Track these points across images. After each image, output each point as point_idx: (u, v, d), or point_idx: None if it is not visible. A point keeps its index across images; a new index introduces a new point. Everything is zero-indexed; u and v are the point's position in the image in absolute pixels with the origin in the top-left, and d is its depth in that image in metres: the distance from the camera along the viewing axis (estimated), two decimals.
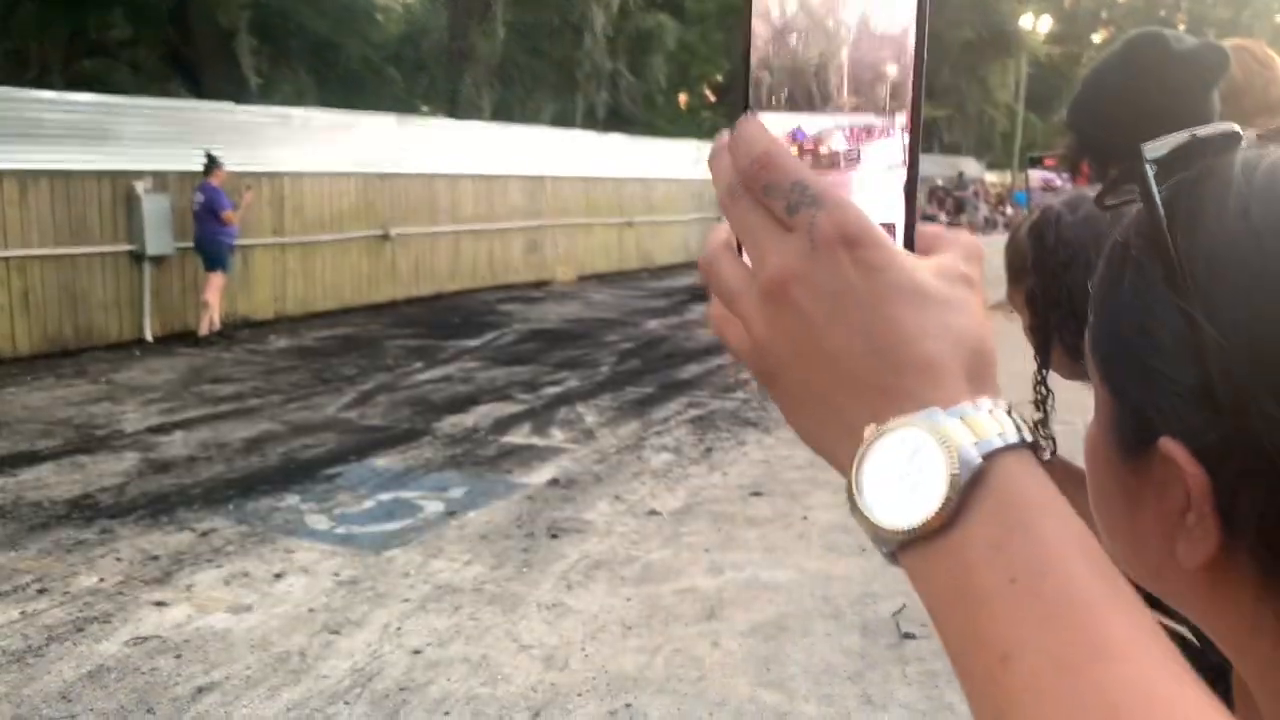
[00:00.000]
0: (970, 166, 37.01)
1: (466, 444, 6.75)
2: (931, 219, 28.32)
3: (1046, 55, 40.04)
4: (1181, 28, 47.15)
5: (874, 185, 0.43)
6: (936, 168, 33.19)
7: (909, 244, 0.43)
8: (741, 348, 0.43)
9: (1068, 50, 44.32)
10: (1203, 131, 0.46)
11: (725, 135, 0.43)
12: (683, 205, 20.12)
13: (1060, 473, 1.49)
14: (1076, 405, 1.73)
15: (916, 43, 0.43)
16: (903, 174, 0.44)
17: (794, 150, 0.44)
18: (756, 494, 5.70)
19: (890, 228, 0.43)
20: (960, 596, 0.37)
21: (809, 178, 0.40)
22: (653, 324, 12.49)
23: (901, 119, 0.43)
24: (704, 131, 35.11)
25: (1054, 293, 1.35)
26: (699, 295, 15.23)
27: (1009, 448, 0.38)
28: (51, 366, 9.10)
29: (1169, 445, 0.42)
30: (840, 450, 0.40)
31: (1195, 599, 0.46)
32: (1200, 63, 1.57)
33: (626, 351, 10.49)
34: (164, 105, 11.31)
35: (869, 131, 0.44)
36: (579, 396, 8.22)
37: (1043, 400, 1.44)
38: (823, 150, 0.44)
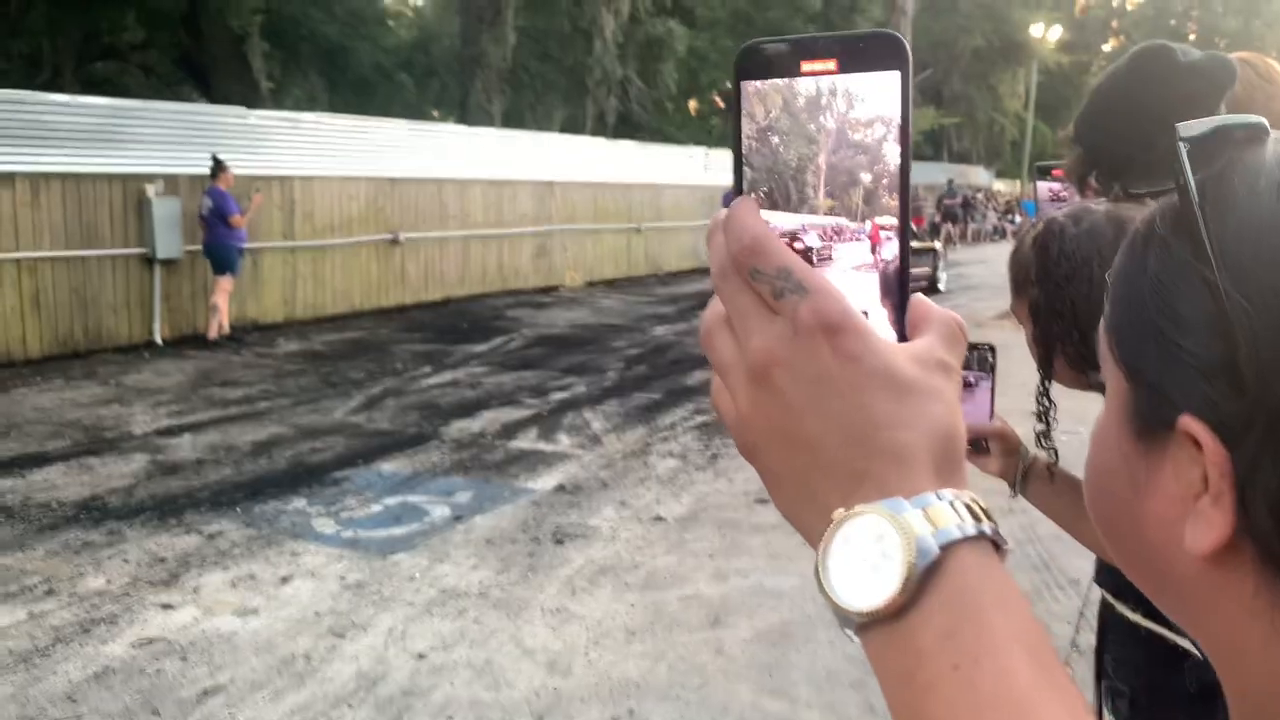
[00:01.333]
0: (979, 175, 36.98)
1: (473, 449, 6.77)
2: (935, 228, 28.24)
3: (1056, 64, 39.99)
4: (1191, 37, 47.07)
5: (846, 281, 0.46)
6: (945, 175, 33.08)
7: (900, 324, 0.45)
8: (729, 419, 0.45)
9: (1077, 59, 44.26)
10: (1232, 120, 0.47)
11: (721, 214, 0.45)
12: (691, 211, 20.13)
13: (1063, 484, 1.49)
14: (1080, 414, 1.73)
15: (902, 143, 0.45)
16: (894, 264, 0.46)
17: None
18: (762, 501, 5.70)
19: (864, 317, 0.45)
20: (909, 681, 0.39)
21: (795, 264, 0.42)
22: (660, 330, 12.49)
23: (871, 223, 0.46)
24: (713, 138, 35.17)
25: (1057, 304, 1.35)
26: (706, 303, 15.21)
27: (966, 539, 0.40)
28: (61, 368, 9.15)
29: (1190, 422, 0.43)
30: (814, 530, 0.42)
31: (1193, 591, 0.46)
32: (1208, 75, 1.57)
33: (634, 357, 10.51)
34: (175, 109, 11.36)
35: (840, 232, 0.46)
36: (586, 402, 8.23)
37: (1045, 412, 1.45)
38: (797, 246, 0.46)
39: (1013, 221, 33.06)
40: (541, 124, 21.93)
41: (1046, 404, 1.46)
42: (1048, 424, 1.47)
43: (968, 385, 1.53)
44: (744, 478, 6.17)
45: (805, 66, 0.46)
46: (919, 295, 0.46)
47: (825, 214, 0.47)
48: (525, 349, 10.86)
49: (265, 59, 20.90)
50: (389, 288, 13.39)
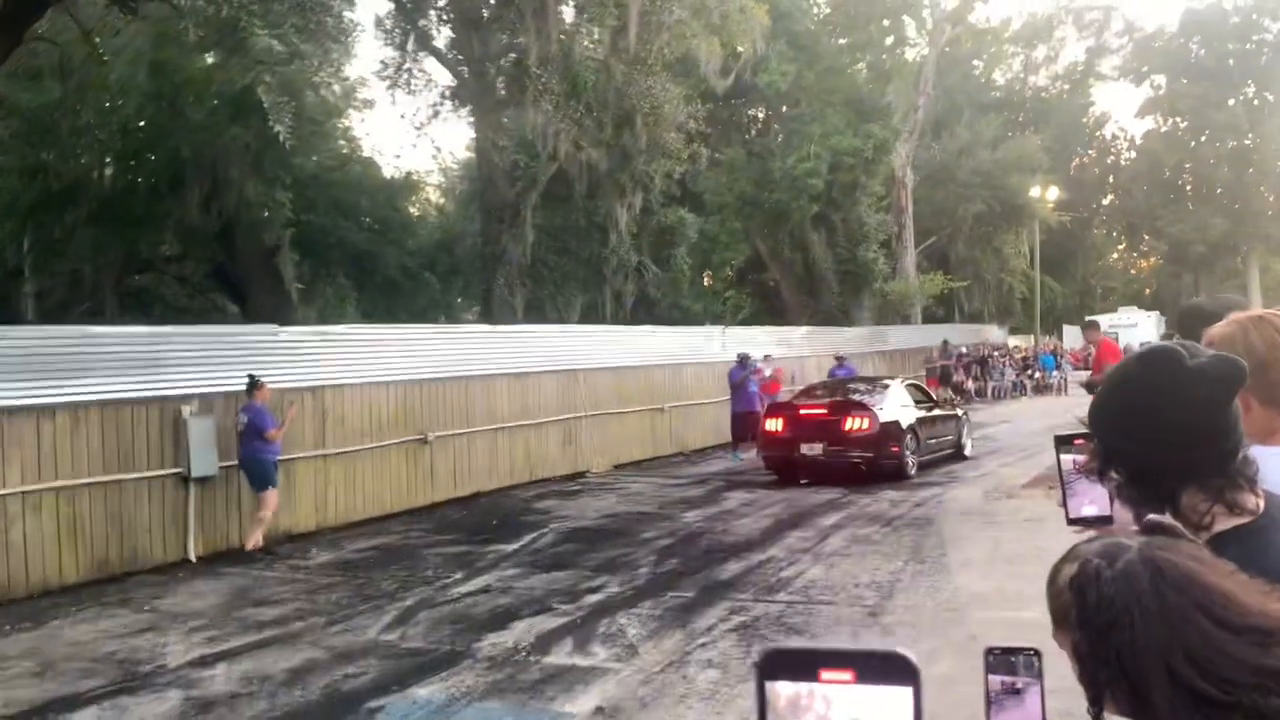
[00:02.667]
0: (994, 333, 37.40)
1: (508, 667, 6.68)
2: (959, 387, 28.26)
3: (1058, 221, 41.07)
4: (1188, 189, 47.87)
5: None
6: (960, 336, 33.44)
7: None
8: None
9: (1078, 215, 45.48)
10: None
11: None
12: (711, 388, 20.36)
13: None
14: None
15: None
16: None
17: None
18: None
19: None
20: None
21: None
22: (690, 516, 12.44)
23: None
24: (727, 309, 35.87)
25: (1102, 652, 1.35)
26: (733, 483, 15.22)
27: None
28: (97, 594, 9.18)
29: None
30: None
31: None
32: (1215, 377, 1.61)
33: (665, 549, 10.43)
34: (210, 331, 11.85)
35: None
36: (620, 605, 8.15)
37: None
38: None
39: (1031, 377, 33.20)
40: (563, 311, 22.58)
41: None
42: None
43: (1016, 692, 1.53)
44: None
45: (824, 675, 0.52)
46: None
47: None
48: (555, 546, 10.83)
49: (295, 266, 21.82)
50: (419, 487, 13.50)
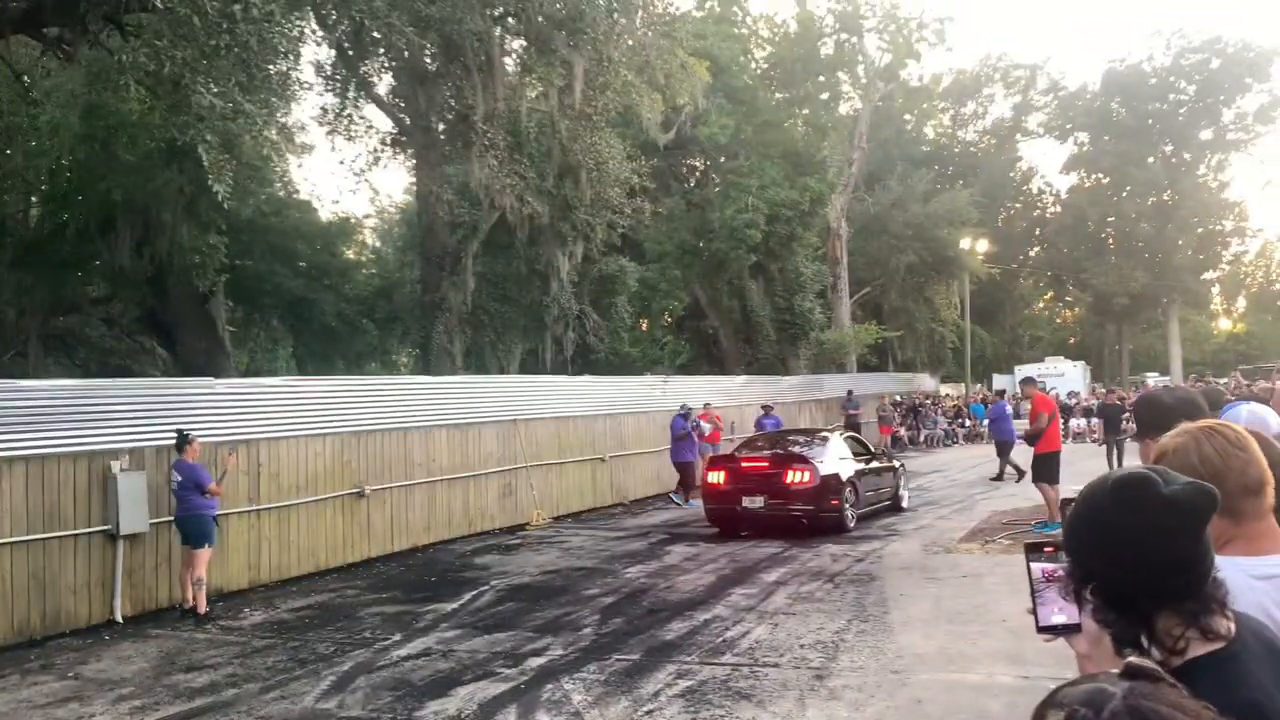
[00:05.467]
0: (926, 381, 38.13)
1: None
2: (896, 440, 28.75)
3: (987, 273, 42.17)
4: (1110, 244, 49.45)
5: None
6: (894, 384, 34.01)
7: None
8: None
9: (1006, 268, 46.80)
10: None
11: None
12: (652, 438, 20.42)
13: None
14: None
15: None
16: None
17: None
18: None
19: None
20: None
21: None
22: (632, 571, 12.37)
23: None
24: (666, 354, 36.01)
25: None
26: (675, 535, 15.21)
27: None
28: (17, 660, 8.80)
29: None
30: None
31: None
32: (1188, 506, 1.62)
33: (608, 607, 10.34)
34: (141, 384, 11.55)
35: None
36: (564, 669, 8.04)
37: None
38: None
39: (963, 425, 33.83)
40: (503, 359, 22.48)
41: None
42: None
43: None
44: None
45: None
46: None
47: None
48: (496, 605, 10.67)
49: (229, 310, 21.42)
50: (355, 542, 13.24)
